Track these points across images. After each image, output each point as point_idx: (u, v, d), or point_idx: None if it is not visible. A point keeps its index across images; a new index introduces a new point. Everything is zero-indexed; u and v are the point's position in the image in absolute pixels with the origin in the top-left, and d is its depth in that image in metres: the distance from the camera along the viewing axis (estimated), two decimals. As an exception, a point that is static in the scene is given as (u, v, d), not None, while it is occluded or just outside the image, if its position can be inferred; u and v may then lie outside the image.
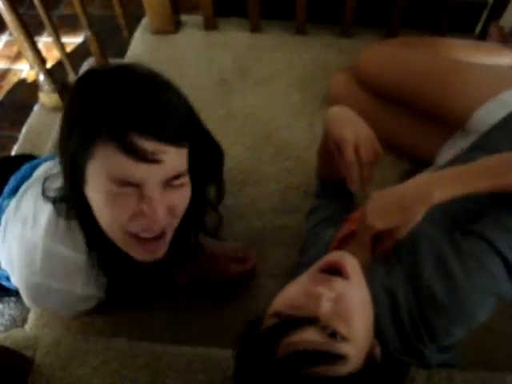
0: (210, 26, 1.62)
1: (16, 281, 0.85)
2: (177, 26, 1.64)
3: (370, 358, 0.66)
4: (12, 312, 1.23)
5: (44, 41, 2.34)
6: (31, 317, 1.08)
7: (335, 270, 0.70)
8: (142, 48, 1.60)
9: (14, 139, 1.81)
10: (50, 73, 1.71)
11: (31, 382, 0.81)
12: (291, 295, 0.69)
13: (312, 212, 1.09)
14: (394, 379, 0.70)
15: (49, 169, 0.89)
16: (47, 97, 1.77)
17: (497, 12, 1.47)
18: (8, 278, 0.95)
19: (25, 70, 2.27)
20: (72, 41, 2.33)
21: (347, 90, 1.32)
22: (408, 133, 1.21)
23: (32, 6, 1.64)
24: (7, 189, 0.93)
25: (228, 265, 1.03)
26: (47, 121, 1.78)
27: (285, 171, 1.27)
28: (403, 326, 0.75)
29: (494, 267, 0.73)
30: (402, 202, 0.76)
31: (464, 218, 0.83)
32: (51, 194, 0.78)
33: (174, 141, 0.66)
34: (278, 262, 1.12)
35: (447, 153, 1.12)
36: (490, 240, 0.74)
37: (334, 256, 0.73)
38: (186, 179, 0.71)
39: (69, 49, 1.98)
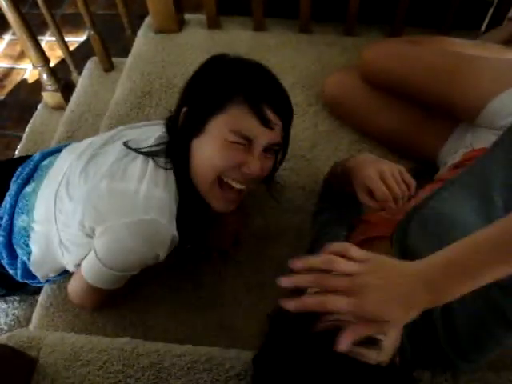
0: (213, 24, 1.62)
1: (113, 232, 0.86)
2: (180, 25, 1.63)
3: (392, 360, 0.65)
4: (16, 312, 1.23)
5: (47, 40, 2.35)
6: (35, 316, 1.08)
7: None
8: (145, 47, 1.59)
9: (18, 138, 1.81)
10: (53, 72, 1.71)
11: (35, 382, 0.81)
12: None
13: (318, 213, 1.09)
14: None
15: (114, 134, 1.02)
16: (50, 96, 1.77)
17: (502, 9, 1.46)
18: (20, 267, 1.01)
19: (28, 69, 2.28)
20: (75, 40, 2.33)
21: (343, 90, 1.31)
22: (408, 131, 1.20)
23: (35, 5, 1.64)
24: (22, 175, 1.02)
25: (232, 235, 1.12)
26: (51, 120, 1.78)
27: (289, 170, 1.27)
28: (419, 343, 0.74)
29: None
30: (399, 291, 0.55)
31: None
32: (144, 150, 0.92)
33: (285, 119, 0.90)
34: (282, 260, 1.11)
35: (450, 150, 1.11)
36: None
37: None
38: (277, 150, 0.93)
39: (72, 48, 1.98)
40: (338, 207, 1.06)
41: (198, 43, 1.59)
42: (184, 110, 0.90)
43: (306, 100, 1.40)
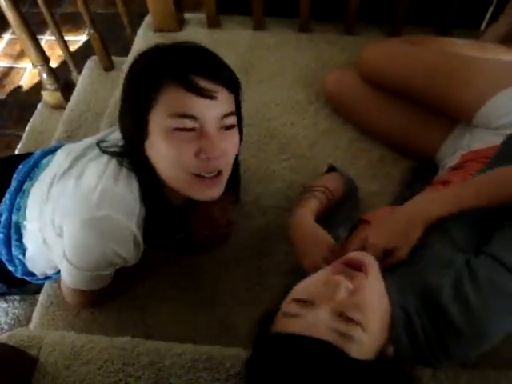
0: (213, 24, 1.62)
1: (70, 230, 0.86)
2: (180, 24, 1.63)
3: (382, 353, 0.66)
4: (16, 311, 1.23)
5: (47, 39, 2.34)
6: (35, 316, 1.09)
7: (356, 268, 0.71)
8: (145, 46, 1.57)
9: (18, 138, 1.81)
10: (53, 71, 1.71)
11: (36, 381, 0.81)
12: (310, 284, 0.71)
13: None
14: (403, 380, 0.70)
15: (104, 135, 0.99)
16: (50, 95, 1.77)
17: (503, 8, 1.46)
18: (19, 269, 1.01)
19: (28, 68, 2.27)
20: (75, 39, 2.33)
21: (342, 88, 1.31)
22: (407, 129, 1.20)
23: (34, 3, 1.64)
24: (21, 173, 1.01)
25: (213, 221, 1.10)
26: (51, 119, 1.78)
27: (289, 169, 1.26)
28: (418, 344, 0.75)
29: (508, 288, 0.72)
30: (397, 228, 0.83)
31: (476, 238, 0.82)
32: (110, 149, 0.89)
33: (227, 84, 0.82)
34: (281, 259, 1.12)
35: (448, 151, 1.11)
36: (501, 260, 0.74)
37: (356, 254, 0.75)
38: (235, 121, 0.85)
39: (72, 47, 1.98)
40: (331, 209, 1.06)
41: (197, 42, 1.58)
42: (123, 118, 0.87)
43: (305, 98, 1.40)
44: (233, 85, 0.85)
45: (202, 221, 1.08)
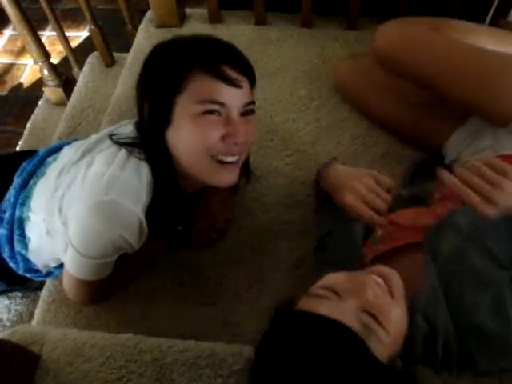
0: (214, 19, 1.61)
1: (78, 215, 0.87)
2: (181, 20, 1.62)
3: (392, 363, 0.65)
4: (19, 308, 1.23)
5: (48, 35, 2.34)
6: (38, 312, 1.08)
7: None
8: (146, 42, 1.58)
9: (19, 134, 1.81)
10: (54, 67, 1.71)
11: (38, 378, 0.81)
12: (344, 276, 0.69)
13: (316, 211, 1.09)
14: None
15: (113, 129, 1.00)
16: (52, 91, 1.77)
17: (508, 0, 1.45)
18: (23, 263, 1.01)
19: (29, 64, 2.27)
20: (76, 35, 2.32)
21: (353, 78, 1.30)
22: (417, 119, 1.17)
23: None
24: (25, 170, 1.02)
25: (211, 213, 1.10)
26: (52, 116, 1.78)
27: (291, 165, 1.26)
28: (433, 360, 0.74)
29: None
30: None
31: None
32: (122, 141, 0.91)
33: (248, 74, 0.89)
34: (284, 255, 1.12)
35: (458, 142, 1.08)
36: None
37: (386, 269, 0.72)
38: (254, 109, 0.91)
39: (73, 43, 1.97)
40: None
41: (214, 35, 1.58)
42: (146, 106, 0.88)
43: (307, 94, 1.39)
44: (252, 76, 0.91)
45: (200, 212, 1.08)
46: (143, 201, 0.87)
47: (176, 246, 1.09)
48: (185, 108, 0.84)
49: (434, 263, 0.78)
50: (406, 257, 0.83)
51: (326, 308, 0.63)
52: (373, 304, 0.64)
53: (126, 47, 1.65)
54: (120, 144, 0.91)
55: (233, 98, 0.85)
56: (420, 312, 0.74)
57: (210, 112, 0.84)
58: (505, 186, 0.68)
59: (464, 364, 0.74)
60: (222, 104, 0.84)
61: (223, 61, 0.84)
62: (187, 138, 0.86)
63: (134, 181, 0.86)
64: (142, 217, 0.87)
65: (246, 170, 1.07)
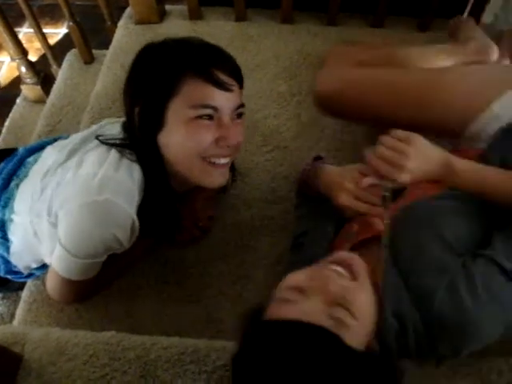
0: (194, 15, 1.61)
1: (70, 215, 0.87)
2: (161, 16, 1.61)
3: (369, 348, 0.66)
4: (-1, 308, 1.22)
5: (25, 31, 2.30)
6: (19, 313, 1.07)
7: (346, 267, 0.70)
8: (126, 38, 1.57)
9: (-4, 133, 1.78)
10: (31, 65, 1.68)
11: (20, 378, 0.81)
12: (304, 273, 0.69)
13: (297, 208, 1.10)
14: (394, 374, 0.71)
15: (97, 129, 1.01)
16: (30, 89, 1.74)
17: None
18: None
19: (6, 62, 2.23)
20: (54, 31, 2.29)
21: (342, 84, 1.22)
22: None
23: (11, -5, 1.60)
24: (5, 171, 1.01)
25: (195, 212, 1.11)
26: (30, 113, 1.75)
27: (272, 161, 1.27)
28: (408, 352, 0.76)
29: (505, 296, 0.72)
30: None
31: (475, 240, 0.81)
32: (110, 142, 0.91)
33: (238, 78, 0.90)
34: (266, 251, 1.13)
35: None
36: (502, 266, 0.73)
37: (345, 254, 0.73)
38: (244, 111, 0.93)
39: (51, 40, 1.94)
40: (314, 201, 1.06)
41: (179, 34, 1.56)
42: (136, 110, 0.88)
43: (288, 90, 1.40)
44: (241, 79, 0.92)
45: (184, 210, 1.08)
46: (136, 201, 0.88)
47: (160, 243, 1.09)
48: (178, 112, 0.85)
49: (395, 253, 0.81)
50: (371, 248, 0.85)
51: (295, 312, 0.64)
52: (337, 294, 0.65)
53: (106, 44, 1.64)
54: (109, 145, 0.91)
55: (225, 101, 0.86)
56: (389, 310, 0.76)
57: (203, 116, 0.85)
58: (406, 151, 0.77)
59: (431, 353, 0.76)
60: (214, 108, 0.85)
61: (215, 65, 0.86)
62: (180, 141, 0.87)
63: (127, 181, 0.87)
64: (135, 216, 0.88)
65: (231, 168, 1.07)
